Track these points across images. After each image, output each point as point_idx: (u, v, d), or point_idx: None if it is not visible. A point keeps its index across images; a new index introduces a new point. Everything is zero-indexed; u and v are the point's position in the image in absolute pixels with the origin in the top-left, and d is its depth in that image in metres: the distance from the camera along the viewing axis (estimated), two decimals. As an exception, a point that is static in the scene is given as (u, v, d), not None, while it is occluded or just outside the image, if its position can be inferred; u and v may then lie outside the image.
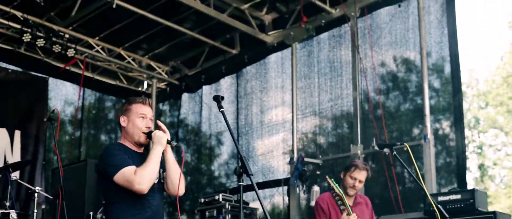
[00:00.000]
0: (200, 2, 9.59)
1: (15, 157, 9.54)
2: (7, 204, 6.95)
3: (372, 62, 9.29)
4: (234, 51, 11.12)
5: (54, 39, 9.83)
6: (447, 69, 8.84)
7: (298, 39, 10.32)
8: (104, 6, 9.50)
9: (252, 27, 10.43)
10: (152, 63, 11.84)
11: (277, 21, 10.55)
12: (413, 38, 9.04)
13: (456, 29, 8.64)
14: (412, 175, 5.86)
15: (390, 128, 9.05)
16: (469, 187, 8.41)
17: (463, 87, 8.50)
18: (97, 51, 10.93)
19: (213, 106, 11.39)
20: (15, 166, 7.39)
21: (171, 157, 4.30)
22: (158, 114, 12.31)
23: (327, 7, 9.78)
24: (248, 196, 9.67)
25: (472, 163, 22.69)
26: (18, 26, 9.58)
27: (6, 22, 9.57)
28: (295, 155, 9.87)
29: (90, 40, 10.76)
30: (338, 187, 5.83)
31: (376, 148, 8.39)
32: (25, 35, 9.56)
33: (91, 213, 7.88)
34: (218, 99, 4.28)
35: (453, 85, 8.68)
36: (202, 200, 8.98)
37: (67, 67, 10.83)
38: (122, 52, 11.30)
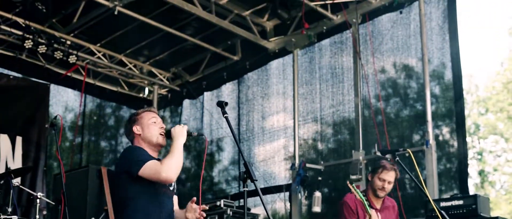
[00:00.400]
0: (202, 8, 9.60)
1: (17, 163, 9.53)
2: (9, 210, 6.95)
3: (374, 69, 9.30)
4: (235, 58, 11.14)
5: (55, 45, 9.84)
6: (448, 75, 8.86)
7: (299, 45, 10.35)
8: (105, 12, 9.52)
9: (254, 33, 10.44)
10: (154, 70, 11.86)
11: (278, 28, 10.57)
12: (414, 44, 9.06)
13: (458, 35, 8.66)
14: (414, 181, 5.85)
15: (391, 134, 9.06)
16: (470, 193, 8.40)
17: (463, 93, 8.50)
18: (99, 57, 10.94)
19: (214, 113, 11.40)
20: (17, 172, 7.39)
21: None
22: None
23: (328, 13, 9.80)
24: (249, 202, 9.65)
25: (472, 169, 22.71)
26: (20, 33, 9.60)
27: (8, 28, 9.58)
28: (297, 161, 9.88)
29: (92, 47, 10.78)
30: (358, 192, 5.77)
31: (378, 153, 8.38)
32: (26, 41, 9.57)
33: (93, 219, 7.87)
34: (222, 105, 4.30)
35: (455, 91, 8.70)
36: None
37: (69, 74, 10.83)
38: (124, 59, 11.32)
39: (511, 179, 22.56)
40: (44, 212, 8.63)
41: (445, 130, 8.93)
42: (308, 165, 9.58)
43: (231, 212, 8.57)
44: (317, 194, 9.23)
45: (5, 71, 10.09)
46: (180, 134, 4.29)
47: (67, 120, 11.35)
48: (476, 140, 23.09)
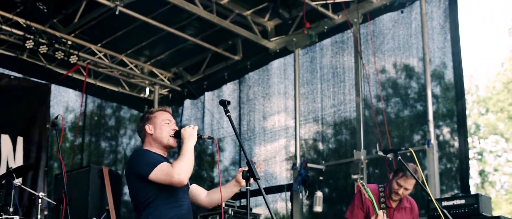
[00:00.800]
0: (203, 8, 9.60)
1: (18, 163, 9.52)
2: (11, 209, 6.94)
3: (375, 68, 9.31)
4: (236, 58, 11.14)
5: (56, 46, 9.85)
6: (448, 75, 8.86)
7: (300, 45, 10.35)
8: (106, 13, 9.53)
9: (255, 33, 10.45)
10: (155, 70, 11.86)
11: (279, 27, 10.57)
12: (416, 44, 9.06)
13: (459, 35, 8.66)
14: (417, 180, 5.84)
15: (391, 134, 9.06)
16: (471, 193, 8.40)
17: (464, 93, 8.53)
18: (100, 57, 10.95)
19: (215, 113, 11.40)
20: (18, 171, 7.38)
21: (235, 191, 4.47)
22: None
23: (329, 13, 9.80)
24: (250, 202, 9.65)
25: (472, 169, 22.69)
26: (21, 33, 9.61)
27: (9, 29, 9.59)
28: (298, 161, 9.88)
29: (93, 47, 10.78)
30: (368, 191, 5.73)
31: (381, 153, 8.38)
32: (27, 42, 9.58)
33: (95, 219, 7.86)
34: (224, 103, 4.28)
35: (456, 90, 8.70)
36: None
37: (70, 74, 10.83)
38: (125, 59, 11.32)
39: (512, 179, 22.57)
40: (45, 212, 8.58)
41: (446, 130, 8.93)
42: (309, 165, 9.58)
43: (232, 212, 8.56)
44: (319, 194, 9.23)
45: (6, 72, 10.08)
46: (190, 136, 4.26)
47: (68, 120, 11.35)
48: (476, 140, 23.09)
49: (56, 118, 6.96)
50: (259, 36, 10.51)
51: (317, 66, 10.22)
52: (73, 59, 10.10)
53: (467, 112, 22.51)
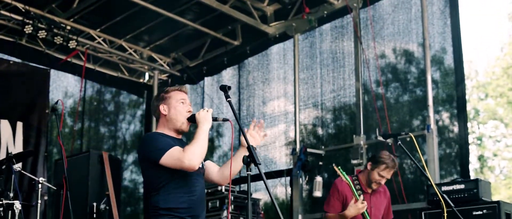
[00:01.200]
0: (202, -7, 9.58)
1: (18, 148, 9.53)
2: (11, 195, 6.95)
3: (375, 54, 9.29)
4: (236, 43, 11.12)
5: (55, 31, 9.82)
6: (448, 60, 8.86)
7: (300, 30, 10.33)
8: (106, -3, 9.51)
9: (254, 18, 10.42)
10: (154, 55, 11.84)
11: (279, 12, 10.54)
12: (415, 29, 9.04)
13: (459, 20, 8.65)
14: (417, 165, 5.85)
15: (390, 119, 9.06)
16: (470, 178, 8.42)
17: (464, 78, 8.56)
18: (99, 42, 10.92)
19: (215, 98, 11.40)
20: (18, 157, 7.39)
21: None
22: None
23: (329, -2, 9.79)
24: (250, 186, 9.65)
25: (471, 154, 22.70)
26: (20, 18, 9.58)
27: (7, 14, 9.56)
28: (298, 146, 9.89)
29: (92, 32, 10.75)
30: (344, 175, 5.77)
31: (380, 138, 8.39)
32: (26, 27, 9.56)
33: (95, 204, 7.88)
34: (225, 88, 4.25)
35: (456, 75, 8.70)
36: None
37: (69, 59, 10.81)
38: (124, 44, 11.30)
39: (511, 164, 22.60)
40: (45, 197, 8.63)
41: (445, 115, 8.93)
42: (309, 150, 9.59)
43: (232, 197, 8.58)
44: (318, 179, 9.24)
45: (5, 57, 10.06)
46: (205, 119, 4.18)
47: (67, 105, 11.34)
48: (475, 125, 23.10)
49: (56, 103, 6.98)
50: (259, 21, 10.48)
51: (317, 51, 10.20)
52: (72, 44, 10.08)
53: (467, 97, 22.52)
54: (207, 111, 4.25)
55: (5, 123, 9.59)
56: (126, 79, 12.10)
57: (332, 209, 6.01)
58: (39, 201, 7.24)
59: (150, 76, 12.44)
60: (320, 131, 10.29)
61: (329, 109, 10.10)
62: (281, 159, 10.51)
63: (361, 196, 5.72)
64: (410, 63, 9.40)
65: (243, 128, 4.26)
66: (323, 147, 9.78)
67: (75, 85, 11.37)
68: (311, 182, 9.48)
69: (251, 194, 4.07)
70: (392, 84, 9.52)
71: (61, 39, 9.93)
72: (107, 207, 7.90)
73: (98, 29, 10.84)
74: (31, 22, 9.54)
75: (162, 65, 12.01)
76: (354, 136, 9.20)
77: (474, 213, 6.72)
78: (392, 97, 9.45)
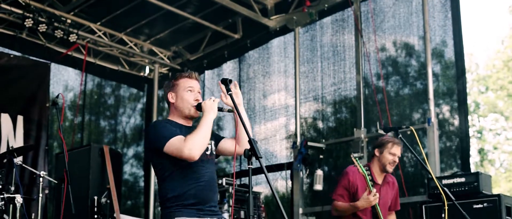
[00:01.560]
0: (203, -14, 9.57)
1: (18, 142, 9.54)
2: (12, 188, 6.96)
3: (375, 47, 9.28)
4: (236, 36, 11.10)
5: (56, 24, 9.81)
6: (449, 53, 8.85)
7: (301, 23, 10.31)
8: (106, -10, 9.49)
9: (255, 11, 10.41)
10: (154, 48, 11.83)
11: (279, 6, 10.53)
12: (416, 22, 9.02)
13: (460, 13, 8.64)
14: (417, 158, 5.86)
15: (391, 112, 9.06)
16: (471, 171, 8.42)
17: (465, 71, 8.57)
18: (99, 36, 10.91)
19: (215, 91, 11.39)
20: (19, 151, 7.40)
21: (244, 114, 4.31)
22: (160, 99, 12.31)
23: (330, -9, 9.77)
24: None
25: (471, 147, 22.67)
26: (20, 12, 9.57)
27: (8, 7, 9.55)
28: (298, 139, 9.89)
29: (92, 25, 10.74)
30: (361, 166, 5.79)
31: (381, 131, 8.39)
32: (27, 20, 9.55)
33: (96, 198, 7.89)
34: (226, 82, 4.26)
35: (457, 68, 8.69)
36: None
37: (69, 53, 10.81)
38: (124, 37, 11.28)
39: (511, 157, 22.61)
40: (47, 191, 8.65)
41: (445, 108, 8.93)
42: (309, 143, 9.59)
43: (233, 190, 8.59)
44: (319, 172, 9.25)
45: (6, 50, 10.06)
46: (210, 109, 4.18)
47: (67, 99, 11.32)
48: (475, 118, 23.10)
49: (57, 96, 6.99)
50: (259, 14, 10.47)
51: (317, 45, 10.19)
52: (72, 37, 10.08)
53: (467, 90, 22.50)
54: (214, 100, 4.24)
55: (6, 117, 9.60)
56: (127, 73, 12.10)
57: (341, 198, 6.02)
58: (40, 195, 7.26)
59: (150, 70, 12.43)
60: (320, 124, 10.29)
61: (330, 102, 10.09)
62: (282, 152, 10.51)
63: (374, 189, 5.74)
64: (410, 56, 9.39)
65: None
66: (323, 140, 9.79)
67: (75, 79, 11.38)
68: (311, 175, 9.49)
69: (252, 188, 4.07)
70: (392, 77, 9.52)
71: (62, 32, 9.92)
72: (108, 201, 7.92)
73: (99, 23, 10.83)
74: (31, 15, 9.53)
75: (162, 59, 12.00)
76: (354, 129, 9.20)
77: (475, 206, 6.72)
78: (392, 91, 9.44)
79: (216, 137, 4.45)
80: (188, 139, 4.05)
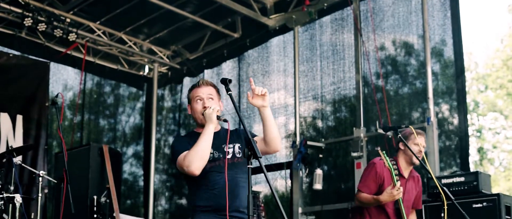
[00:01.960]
0: (202, -15, 9.56)
1: (18, 141, 9.54)
2: (11, 188, 6.96)
3: (375, 46, 9.28)
4: (235, 35, 11.10)
5: (55, 23, 9.81)
6: (448, 52, 8.85)
7: (300, 22, 10.31)
8: (105, -10, 9.48)
9: (254, 10, 10.41)
10: (154, 48, 11.82)
11: (279, 5, 10.52)
12: (416, 21, 9.02)
13: (459, 12, 8.64)
14: (416, 158, 5.86)
15: (390, 111, 9.06)
16: (470, 170, 8.42)
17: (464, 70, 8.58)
18: (98, 35, 10.91)
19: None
20: (19, 150, 7.40)
21: (268, 115, 4.36)
22: (159, 98, 12.31)
23: (329, -10, 9.77)
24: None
25: (471, 146, 22.65)
26: (19, 11, 9.57)
27: (7, 6, 9.55)
28: (298, 139, 9.89)
29: (91, 25, 10.74)
30: (387, 160, 5.76)
31: (381, 130, 8.38)
32: (26, 19, 9.55)
33: (95, 197, 7.89)
34: (226, 82, 4.27)
35: (456, 67, 8.69)
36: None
37: (68, 52, 10.80)
38: (123, 37, 11.28)
39: (510, 156, 22.61)
40: (46, 191, 8.64)
41: (445, 107, 8.93)
42: (309, 143, 9.59)
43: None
44: (318, 171, 9.26)
45: (5, 50, 10.06)
46: (209, 119, 4.24)
47: (66, 98, 11.32)
48: (475, 117, 23.10)
49: (56, 96, 6.98)
50: (259, 13, 10.47)
51: (317, 44, 10.18)
52: (71, 37, 10.08)
53: (466, 89, 22.48)
54: (212, 109, 4.29)
55: (5, 116, 9.60)
56: (126, 72, 12.10)
57: (367, 190, 5.94)
58: (40, 194, 7.25)
59: (150, 69, 12.43)
60: (320, 124, 10.29)
61: (329, 101, 10.09)
62: (281, 151, 10.49)
63: (398, 183, 5.70)
64: (410, 55, 9.39)
65: (243, 120, 4.26)
66: (323, 140, 9.78)
67: (74, 78, 11.37)
68: (311, 174, 9.49)
69: (251, 187, 4.07)
70: (392, 76, 9.52)
71: (61, 32, 9.92)
72: (108, 200, 7.92)
73: (98, 22, 10.83)
74: (30, 14, 9.53)
75: (162, 58, 12.00)
76: (354, 128, 9.19)
77: (474, 205, 6.73)
78: (392, 90, 9.44)
79: (244, 138, 4.48)
80: (187, 155, 4.16)
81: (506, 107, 22.46)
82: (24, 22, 9.57)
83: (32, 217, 7.57)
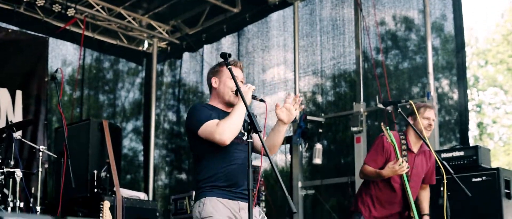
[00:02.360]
0: (201, -41, 9.49)
1: (17, 116, 9.54)
2: (12, 163, 6.98)
3: (375, 21, 9.25)
4: (235, 10, 11.04)
5: (54, -2, 9.77)
6: (448, 27, 8.82)
7: (300, -3, 10.26)
8: (104, -36, 9.42)
9: (254, -15, 10.36)
10: (153, 23, 11.76)
11: (278, -21, 10.47)
12: (416, -5, 8.98)
13: (460, -14, 8.60)
14: (416, 132, 5.86)
15: (390, 86, 9.05)
16: (470, 145, 8.44)
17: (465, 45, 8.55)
18: (97, 10, 10.85)
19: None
20: (19, 125, 7.40)
21: (283, 131, 4.44)
22: (158, 73, 12.29)
23: (329, -36, 9.70)
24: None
25: (470, 121, 22.65)
26: (18, -15, 9.53)
27: (5, -19, 9.50)
28: (298, 114, 9.88)
29: (90, 0, 10.68)
30: (390, 136, 5.74)
31: (380, 105, 8.38)
32: (24, -6, 9.51)
33: (95, 172, 7.90)
34: (225, 56, 4.28)
35: (456, 42, 8.67)
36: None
37: (67, 27, 10.76)
38: (123, 12, 11.22)
39: (510, 130, 22.65)
40: (46, 165, 8.67)
41: (444, 82, 8.93)
42: (308, 117, 9.59)
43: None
44: (318, 146, 9.27)
45: (3, 25, 10.00)
46: (245, 95, 4.25)
47: (66, 73, 11.29)
48: (475, 92, 23.09)
49: (56, 71, 6.97)
50: (258, -12, 10.42)
51: (317, 19, 10.14)
52: (70, 12, 10.03)
53: (466, 64, 22.44)
54: (249, 88, 4.33)
55: (4, 92, 9.59)
56: (125, 47, 12.05)
57: (374, 164, 5.92)
58: (40, 169, 7.27)
59: (149, 44, 12.39)
60: (319, 99, 10.29)
61: (329, 76, 10.08)
62: (281, 126, 10.49)
63: (401, 159, 5.68)
64: (410, 30, 9.36)
65: (243, 94, 4.25)
66: (322, 115, 9.79)
67: (74, 53, 11.33)
68: (310, 149, 9.51)
69: (251, 162, 4.08)
70: (392, 51, 9.50)
71: (60, 7, 9.87)
72: (108, 175, 7.94)
73: (97, -3, 10.78)
74: (29, -11, 9.49)
75: (161, 33, 11.95)
76: (354, 103, 9.20)
77: (474, 179, 6.76)
78: (392, 65, 9.43)
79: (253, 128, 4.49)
80: (221, 123, 4.17)
81: (506, 82, 22.44)
82: (23, -3, 9.53)
83: (33, 191, 7.59)
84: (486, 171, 6.77)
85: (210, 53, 11.63)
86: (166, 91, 12.45)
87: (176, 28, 11.92)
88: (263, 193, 8.67)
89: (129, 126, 12.33)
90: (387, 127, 5.80)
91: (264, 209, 8.35)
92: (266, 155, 3.98)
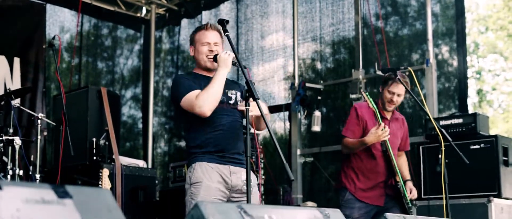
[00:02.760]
0: None
1: (15, 84, 9.50)
2: (10, 130, 6.97)
3: (374, -14, 9.18)
4: (234, -24, 10.96)
5: (50, -36, 9.67)
6: (448, -8, 8.76)
7: (299, -38, 10.16)
8: None
9: (252, -50, 10.24)
10: (151, -11, 11.68)
11: None
12: (417, -41, 8.90)
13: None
14: (415, 99, 5.85)
15: (390, 53, 9.02)
16: (469, 112, 8.43)
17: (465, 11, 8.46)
18: (95, -24, 10.76)
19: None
20: (17, 93, 7.38)
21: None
22: (157, 40, 12.23)
23: None
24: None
25: (470, 88, 22.67)
26: (14, -49, 9.42)
27: None
28: (296, 80, 9.86)
29: (87, -35, 10.59)
30: (371, 101, 5.76)
31: (379, 72, 8.35)
32: (21, -40, 9.41)
33: (94, 139, 7.91)
34: (223, 23, 4.25)
35: (456, 9, 8.61)
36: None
37: (65, -7, 10.68)
38: (120, -22, 11.14)
39: (509, 98, 22.63)
40: (45, 133, 8.66)
41: (444, 49, 8.89)
42: (307, 84, 9.57)
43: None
44: (317, 113, 9.26)
45: (0, -8, 9.93)
46: (224, 63, 4.25)
47: (63, 40, 11.21)
48: (475, 59, 23.01)
49: (53, 38, 6.92)
50: (257, -47, 10.31)
51: (316, -16, 10.06)
52: (67, -22, 9.95)
53: (466, 31, 22.33)
54: (229, 55, 4.27)
55: (2, 59, 9.54)
56: (123, 13, 11.96)
57: (352, 134, 5.96)
58: (39, 137, 7.26)
59: (147, 11, 12.30)
60: (318, 65, 10.26)
61: (328, 43, 10.03)
62: (280, 93, 10.50)
63: (382, 124, 5.70)
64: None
65: (241, 62, 4.23)
66: (321, 82, 9.76)
67: (71, 20, 11.24)
68: (309, 116, 9.50)
69: (249, 129, 4.08)
70: (391, 17, 9.44)
71: (56, -28, 9.78)
72: (107, 142, 7.95)
73: (94, -38, 10.67)
74: (25, -45, 9.39)
75: (159, 0, 11.87)
76: (353, 70, 9.16)
77: (472, 147, 6.77)
78: (391, 31, 9.38)
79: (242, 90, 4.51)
80: (199, 96, 4.18)
81: (506, 49, 22.36)
82: (19, -37, 9.43)
83: (32, 159, 7.60)
84: (484, 138, 6.78)
85: (208, 20, 11.53)
86: (165, 59, 12.40)
87: (174, -6, 11.83)
88: (262, 161, 8.68)
89: (128, 93, 12.30)
90: (367, 92, 5.81)
91: (264, 177, 8.37)
92: (266, 126, 3.98)
